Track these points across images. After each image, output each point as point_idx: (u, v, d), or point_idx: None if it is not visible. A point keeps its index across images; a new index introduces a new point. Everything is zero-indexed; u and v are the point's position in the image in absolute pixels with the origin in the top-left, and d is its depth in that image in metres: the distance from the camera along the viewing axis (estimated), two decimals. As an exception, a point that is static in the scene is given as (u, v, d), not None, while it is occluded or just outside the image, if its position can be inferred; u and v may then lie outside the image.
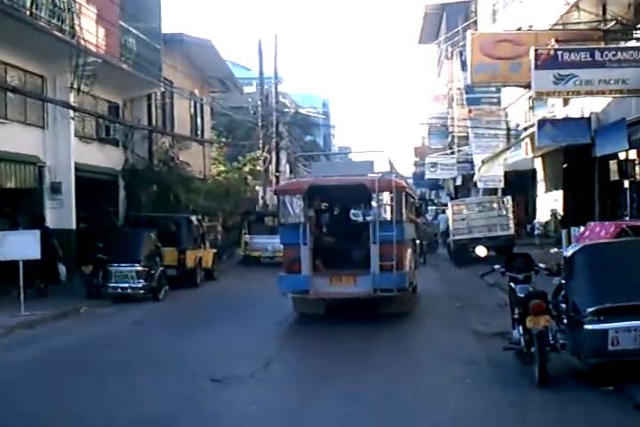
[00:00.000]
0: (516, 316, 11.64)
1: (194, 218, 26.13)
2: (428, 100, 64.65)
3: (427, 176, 58.90)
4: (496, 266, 12.39)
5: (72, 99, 24.16)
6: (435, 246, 38.55)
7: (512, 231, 32.45)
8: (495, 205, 33.40)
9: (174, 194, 29.36)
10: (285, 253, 16.64)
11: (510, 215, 32.77)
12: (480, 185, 44.16)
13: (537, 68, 21.49)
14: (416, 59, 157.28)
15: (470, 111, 46.58)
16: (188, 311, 20.01)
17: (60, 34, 22.04)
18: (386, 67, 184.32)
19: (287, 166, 47.23)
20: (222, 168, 46.22)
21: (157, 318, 18.82)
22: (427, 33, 61.62)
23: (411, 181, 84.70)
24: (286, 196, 16.39)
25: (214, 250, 28.25)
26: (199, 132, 36.96)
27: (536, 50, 21.61)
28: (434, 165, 57.03)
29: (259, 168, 39.96)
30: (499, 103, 44.39)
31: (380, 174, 16.37)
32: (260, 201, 39.51)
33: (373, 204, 16.10)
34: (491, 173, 40.77)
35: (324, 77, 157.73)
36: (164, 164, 30.12)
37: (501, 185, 40.93)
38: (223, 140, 43.41)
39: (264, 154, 39.32)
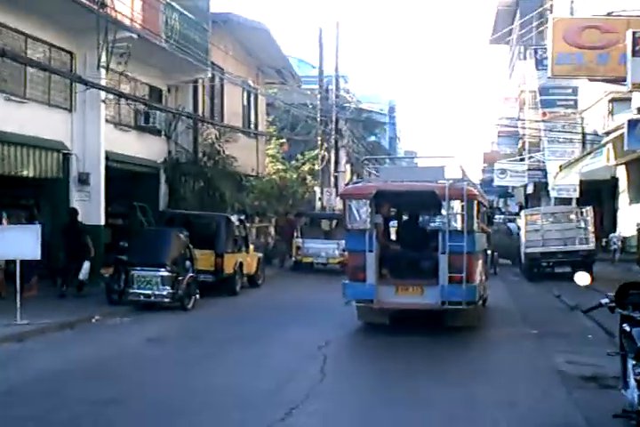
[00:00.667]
0: (635, 374, 8.01)
1: (235, 218, 22.89)
2: (498, 102, 61.07)
3: (495, 183, 55.22)
4: (603, 300, 8.70)
5: (104, 79, 21.15)
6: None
7: (592, 246, 28.88)
8: (573, 217, 29.99)
9: (219, 191, 26.25)
10: (350, 260, 15.94)
11: (590, 228, 29.19)
12: (553, 194, 41.11)
13: (634, 54, 18.28)
14: (487, 59, 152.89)
15: (545, 114, 43.23)
16: (219, 325, 16.85)
17: (88, 2, 19.06)
18: (455, 68, 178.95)
19: (348, 167, 44.03)
20: (280, 166, 43.38)
21: (179, 333, 15.65)
22: (499, 32, 58.30)
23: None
24: (352, 200, 15.52)
25: (260, 254, 25.11)
26: (252, 126, 33.72)
27: (634, 33, 18.27)
28: (503, 171, 53.34)
29: (317, 167, 36.69)
30: (575, 106, 41.03)
31: (450, 181, 15.17)
32: (318, 203, 36.26)
33: (443, 212, 15.21)
34: (565, 182, 37.53)
35: (390, 78, 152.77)
36: (208, 157, 26.97)
37: (576, 195, 37.59)
38: (276, 133, 39.76)
39: (322, 152, 36.11)
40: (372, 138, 58.81)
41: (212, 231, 21.82)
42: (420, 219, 18.14)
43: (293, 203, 36.11)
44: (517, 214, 56.51)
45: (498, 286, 25.58)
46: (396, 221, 19.09)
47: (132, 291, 17.86)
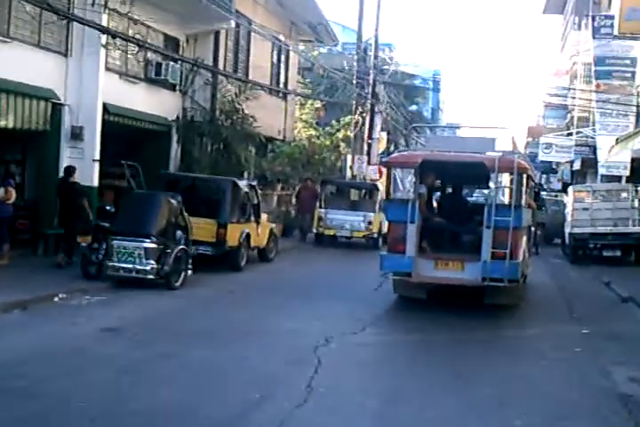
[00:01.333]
0: None
1: (244, 183, 19.83)
2: (548, 75, 57.36)
3: (540, 158, 51.76)
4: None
5: (105, 20, 18.19)
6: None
7: (647, 228, 25.64)
8: (626, 195, 26.88)
9: (235, 154, 23.26)
10: (390, 231, 14.89)
11: (646, 209, 25.97)
12: (602, 171, 37.95)
13: None
14: (539, 31, 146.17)
15: (598, 86, 39.80)
16: (203, 311, 13.88)
17: None
18: (504, 39, 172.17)
19: (384, 135, 40.76)
20: (313, 132, 40.34)
21: (147, 321, 12.42)
22: (553, 1, 54.99)
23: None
24: (397, 169, 16.03)
25: (273, 225, 22.15)
26: (281, 86, 30.54)
27: None
28: (549, 146, 50.04)
29: (350, 134, 33.51)
30: (632, 78, 37.68)
31: (501, 153, 14.38)
32: (348, 171, 33.11)
33: (491, 185, 14.94)
34: (615, 159, 34.18)
35: (436, 48, 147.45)
36: (226, 116, 23.94)
37: (626, 173, 34.29)
38: (307, 94, 36.34)
39: (356, 117, 32.91)
40: (414, 107, 55.19)
41: (216, 198, 18.87)
42: (466, 191, 17.54)
43: (323, 170, 32.99)
44: (560, 191, 53.87)
45: (539, 269, 22.83)
46: (440, 193, 18.10)
47: (110, 264, 14.98)
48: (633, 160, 33.53)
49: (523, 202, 14.54)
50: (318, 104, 39.47)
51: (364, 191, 28.89)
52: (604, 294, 18.59)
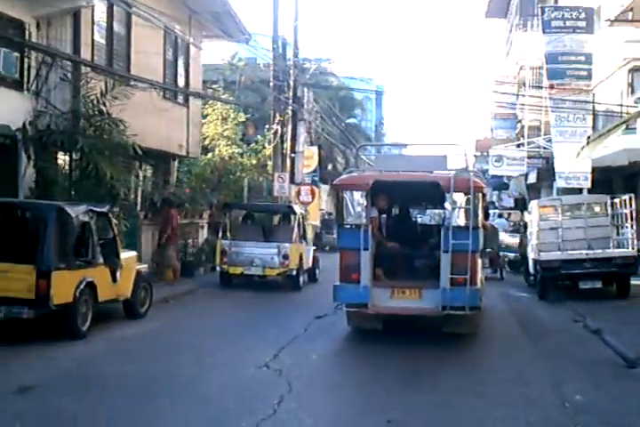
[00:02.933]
0: None
1: (79, 209, 13.07)
2: (494, 83, 51.67)
3: (490, 172, 46.02)
4: None
5: None
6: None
7: (632, 250, 19.80)
8: (600, 209, 21.34)
9: (96, 170, 16.77)
10: (342, 260, 13.22)
11: (629, 225, 20.16)
12: (560, 184, 32.81)
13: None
14: (482, 37, 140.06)
15: (552, 87, 34.35)
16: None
17: None
18: (448, 49, 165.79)
19: (315, 149, 34.59)
20: (236, 150, 34.14)
21: None
22: (495, 4, 50.01)
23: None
24: (346, 191, 14.78)
25: (143, 266, 15.63)
26: (179, 91, 24.19)
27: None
28: (499, 158, 44.42)
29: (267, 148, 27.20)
30: (589, 77, 32.00)
31: (454, 171, 13.28)
32: (275, 191, 26.83)
33: (447, 206, 13.70)
34: (574, 169, 30.06)
35: (378, 63, 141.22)
36: (88, 121, 17.57)
37: (587, 184, 29.76)
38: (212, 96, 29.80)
39: (274, 126, 26.67)
40: (352, 120, 49.06)
41: (34, 233, 12.31)
42: (420, 213, 15.94)
43: (240, 193, 26.62)
44: (513, 209, 48.28)
45: (500, 307, 17.18)
46: (393, 216, 16.48)
47: None
48: (593, 170, 29.31)
49: (479, 223, 13.49)
50: (242, 118, 33.18)
51: (279, 216, 22.54)
52: (599, 355, 12.55)
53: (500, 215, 49.66)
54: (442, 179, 13.04)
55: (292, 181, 27.37)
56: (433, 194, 14.02)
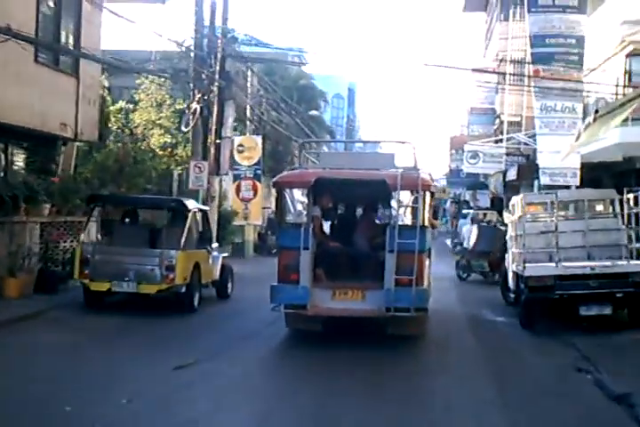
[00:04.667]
0: None
1: None
2: (472, 77, 46.31)
3: (465, 169, 40.66)
4: None
5: None
6: None
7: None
8: (605, 208, 15.61)
9: None
10: (281, 259, 12.29)
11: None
12: (544, 180, 28.06)
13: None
14: (459, 33, 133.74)
15: (537, 72, 29.15)
16: None
17: None
18: (424, 44, 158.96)
19: (259, 140, 28.78)
20: (168, 140, 28.55)
21: None
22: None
23: (444, 180, 67.26)
24: (287, 189, 13.69)
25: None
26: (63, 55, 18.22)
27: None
28: (474, 155, 39.12)
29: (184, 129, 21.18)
30: (579, 62, 26.97)
31: (401, 169, 12.44)
32: (190, 183, 20.93)
33: (393, 204, 13.51)
34: (560, 165, 26.07)
35: (350, 57, 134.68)
36: None
37: (576, 182, 25.74)
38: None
39: (193, 105, 20.74)
40: (314, 112, 43.08)
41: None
42: (365, 212, 14.29)
43: (150, 186, 20.70)
44: (489, 209, 42.98)
45: (463, 342, 12.53)
46: (336, 215, 14.79)
47: None
48: (582, 167, 25.39)
49: (426, 222, 12.43)
50: (181, 105, 27.43)
51: (169, 212, 16.35)
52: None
53: (465, 216, 44.60)
54: (388, 176, 12.20)
55: (216, 172, 21.50)
56: (379, 192, 12.95)
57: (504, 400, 8.76)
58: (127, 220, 15.29)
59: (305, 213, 13.18)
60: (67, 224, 16.81)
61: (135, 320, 13.48)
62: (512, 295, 16.09)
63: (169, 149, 28.18)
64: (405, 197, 13.29)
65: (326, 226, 14.11)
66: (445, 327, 14.06)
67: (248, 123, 29.27)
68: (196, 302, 14.62)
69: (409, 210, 13.44)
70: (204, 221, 15.77)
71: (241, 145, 28.50)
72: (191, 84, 21.22)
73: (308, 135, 36.27)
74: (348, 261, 13.10)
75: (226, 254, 17.42)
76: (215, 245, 16.96)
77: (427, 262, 12.76)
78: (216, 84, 21.22)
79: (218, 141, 21.53)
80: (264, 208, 29.45)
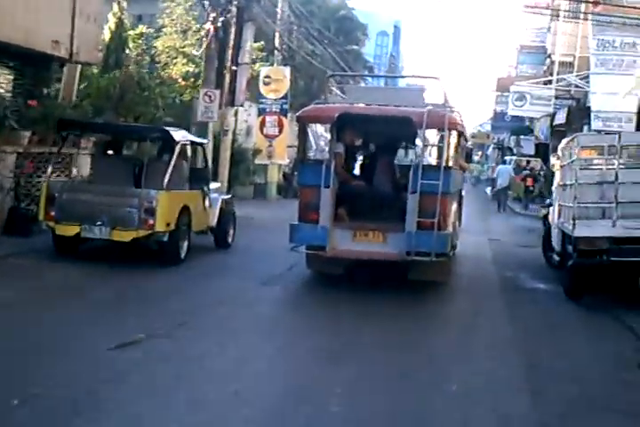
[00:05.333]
0: None
1: None
2: (522, 12, 42.92)
3: (510, 112, 37.66)
4: None
5: None
6: None
7: None
8: None
9: None
10: (302, 197, 11.85)
11: None
12: (596, 125, 25.87)
13: None
14: None
15: (596, 4, 26.49)
16: None
17: None
18: None
19: (287, 71, 26.18)
20: (191, 69, 26.32)
21: None
22: None
23: (488, 124, 64.08)
24: (310, 124, 12.66)
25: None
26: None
27: None
28: (521, 96, 36.09)
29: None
30: None
31: (430, 107, 11.58)
32: (199, 114, 18.52)
33: (418, 142, 12.67)
34: (615, 108, 24.54)
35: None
36: None
37: (631, 127, 23.73)
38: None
39: (207, 26, 18.23)
40: (354, 47, 40.16)
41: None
42: (390, 150, 13.35)
43: (155, 116, 18.27)
44: (534, 157, 40.38)
45: (497, 323, 9.88)
46: (362, 153, 13.96)
47: None
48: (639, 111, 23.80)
49: (453, 163, 11.68)
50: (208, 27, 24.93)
51: (159, 143, 13.82)
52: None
53: (504, 161, 42.16)
54: (414, 114, 11.39)
55: (231, 103, 19.05)
56: (404, 130, 12.07)
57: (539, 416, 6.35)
58: (110, 153, 12.94)
59: (327, 149, 12.29)
60: (51, 156, 14.52)
61: (107, 274, 11.14)
62: (556, 257, 13.62)
63: (192, 79, 25.78)
64: (432, 135, 12.53)
65: (351, 164, 13.28)
66: (473, 295, 11.79)
67: (276, 52, 26.60)
68: (182, 253, 12.33)
69: (435, 150, 12.57)
70: (198, 156, 13.40)
71: (267, 76, 25.97)
72: (206, 2, 18.61)
73: (344, 70, 33.66)
74: (372, 201, 12.32)
75: (228, 196, 15.02)
76: (216, 185, 14.65)
77: (452, 206, 12.27)
78: (235, 2, 18.62)
79: (234, 68, 19.03)
80: (290, 146, 26.96)
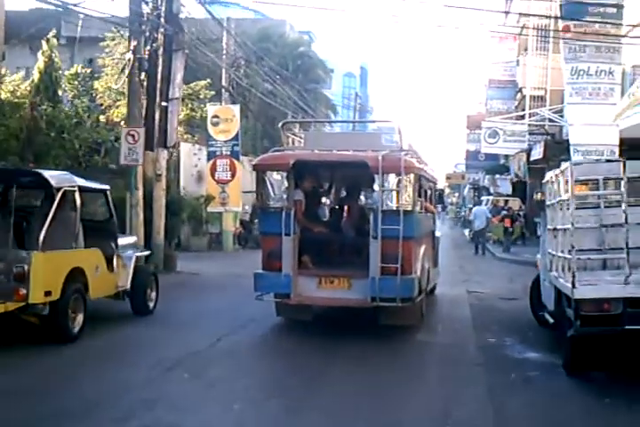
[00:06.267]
0: None
1: None
2: (491, 46, 41.08)
3: (483, 150, 35.56)
4: None
5: None
6: None
7: None
8: None
9: None
10: (264, 246, 11.84)
11: None
12: (576, 158, 23.57)
13: None
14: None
15: (567, 29, 24.78)
16: None
17: None
18: (438, 18, 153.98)
19: (236, 110, 23.68)
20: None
21: None
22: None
23: (462, 163, 62.39)
24: (267, 172, 12.31)
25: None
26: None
27: None
28: (493, 133, 34.19)
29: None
30: (619, 17, 22.79)
31: (386, 151, 11.47)
32: (122, 157, 15.85)
33: (376, 188, 12.61)
34: (595, 141, 22.32)
35: (362, 34, 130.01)
36: None
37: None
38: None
39: (128, 55, 15.71)
40: (315, 85, 37.83)
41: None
42: (350, 195, 13.47)
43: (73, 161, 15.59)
44: (510, 196, 38.40)
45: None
46: (326, 198, 14.34)
47: None
48: (621, 143, 21.46)
49: (415, 207, 11.38)
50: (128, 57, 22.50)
51: (21, 195, 10.83)
52: None
53: (480, 202, 40.26)
54: (369, 158, 11.24)
55: (163, 144, 16.41)
56: (362, 175, 12.03)
57: None
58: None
59: (286, 196, 12.08)
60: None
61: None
62: (546, 316, 10.93)
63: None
64: (391, 179, 12.35)
65: (315, 210, 12.91)
66: (446, 377, 8.98)
67: (223, 90, 24.12)
68: (76, 328, 9.56)
69: (394, 194, 12.49)
70: (101, 206, 10.69)
71: (215, 116, 23.57)
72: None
73: (304, 110, 31.34)
74: (337, 247, 12.56)
75: (144, 253, 12.34)
76: (130, 239, 11.95)
77: (419, 249, 11.91)
78: (161, 30, 16.11)
79: (164, 104, 16.43)
80: (246, 192, 24.41)
